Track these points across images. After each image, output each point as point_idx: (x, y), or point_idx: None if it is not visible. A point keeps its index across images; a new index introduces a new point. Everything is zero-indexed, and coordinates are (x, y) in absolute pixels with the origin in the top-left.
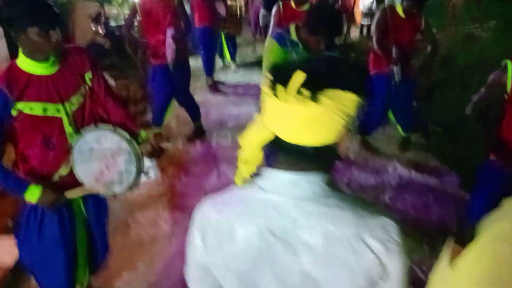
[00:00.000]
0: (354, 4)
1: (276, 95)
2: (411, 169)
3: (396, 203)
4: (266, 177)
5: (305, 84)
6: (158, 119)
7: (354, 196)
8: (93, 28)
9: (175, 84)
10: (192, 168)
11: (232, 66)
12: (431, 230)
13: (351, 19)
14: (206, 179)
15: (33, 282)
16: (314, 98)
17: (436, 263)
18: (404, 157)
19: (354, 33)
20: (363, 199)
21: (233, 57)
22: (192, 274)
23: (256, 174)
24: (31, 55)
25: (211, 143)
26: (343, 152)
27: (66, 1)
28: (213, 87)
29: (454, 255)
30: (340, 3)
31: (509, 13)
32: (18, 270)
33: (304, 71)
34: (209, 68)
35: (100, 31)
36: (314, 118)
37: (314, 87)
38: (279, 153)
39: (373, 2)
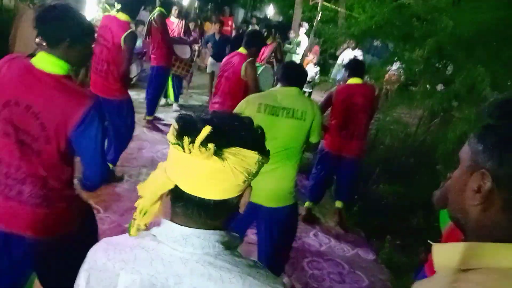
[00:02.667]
0: None
1: (181, 146)
2: (331, 238)
3: (313, 269)
4: (161, 227)
5: (211, 139)
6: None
7: (248, 260)
8: (37, 40)
9: None
10: (112, 205)
11: (174, 106)
12: None
13: None
14: (127, 216)
15: None
16: (218, 154)
17: None
18: (326, 225)
19: None
20: (259, 266)
21: (176, 98)
22: None
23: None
24: None
25: (139, 179)
26: (242, 206)
27: (14, 7)
28: (151, 123)
29: None
30: None
31: (435, 104)
32: None
33: (211, 125)
34: (153, 107)
35: (44, 44)
36: (217, 172)
37: (219, 142)
38: (178, 204)
39: (317, 72)
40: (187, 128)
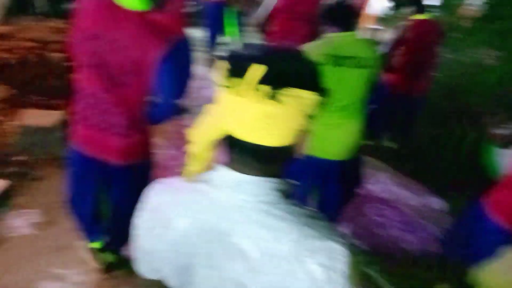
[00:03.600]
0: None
1: (232, 88)
2: (399, 186)
3: (376, 215)
4: (216, 173)
5: (265, 79)
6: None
7: (309, 211)
8: None
9: None
10: (178, 142)
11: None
12: (406, 250)
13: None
14: None
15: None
16: (274, 96)
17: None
18: (394, 173)
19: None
20: (318, 216)
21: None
22: (137, 254)
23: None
24: None
25: None
26: (300, 151)
27: None
28: (211, 61)
29: None
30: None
31: None
32: None
33: (264, 64)
34: (212, 44)
35: None
36: (273, 117)
37: (274, 83)
38: (232, 151)
39: (391, 8)
40: (238, 68)
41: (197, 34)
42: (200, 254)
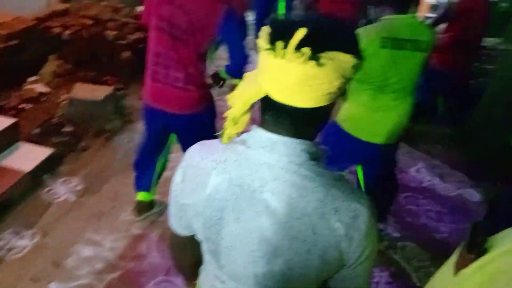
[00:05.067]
0: None
1: (274, 51)
2: (435, 176)
3: (410, 204)
4: (251, 133)
5: (306, 43)
6: None
7: (335, 174)
8: None
9: None
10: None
11: None
12: (437, 240)
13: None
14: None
15: (48, 188)
16: (314, 58)
17: (438, 270)
18: (431, 162)
19: None
20: (344, 180)
21: None
22: (171, 209)
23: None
24: None
25: None
26: (332, 115)
27: None
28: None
29: (461, 264)
30: None
31: None
32: (36, 175)
33: (305, 27)
34: (260, 28)
35: None
36: (312, 78)
37: (315, 46)
38: (268, 112)
39: None
40: (280, 31)
41: (247, 18)
42: (229, 208)
